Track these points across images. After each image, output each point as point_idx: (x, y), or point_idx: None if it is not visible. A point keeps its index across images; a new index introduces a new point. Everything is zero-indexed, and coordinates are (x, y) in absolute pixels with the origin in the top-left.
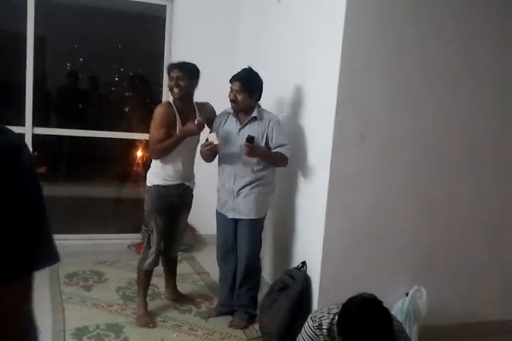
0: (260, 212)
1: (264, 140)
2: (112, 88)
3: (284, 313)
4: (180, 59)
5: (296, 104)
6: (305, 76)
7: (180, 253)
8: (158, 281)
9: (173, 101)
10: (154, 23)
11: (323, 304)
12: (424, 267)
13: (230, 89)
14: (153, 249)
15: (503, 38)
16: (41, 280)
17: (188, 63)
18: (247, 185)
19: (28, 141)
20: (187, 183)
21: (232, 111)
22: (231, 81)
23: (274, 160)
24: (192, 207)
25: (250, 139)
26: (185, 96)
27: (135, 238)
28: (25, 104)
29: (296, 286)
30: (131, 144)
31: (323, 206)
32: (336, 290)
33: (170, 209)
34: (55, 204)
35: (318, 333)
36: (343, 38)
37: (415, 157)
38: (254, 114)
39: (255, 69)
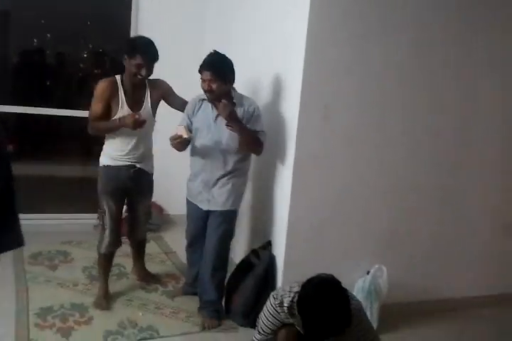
0: (236, 202)
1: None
2: (80, 65)
3: (249, 292)
4: (147, 34)
5: (266, 87)
6: (272, 56)
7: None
8: (126, 260)
9: (121, 77)
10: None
11: (287, 283)
12: (385, 245)
13: (201, 80)
14: (107, 232)
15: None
16: (4, 260)
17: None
18: (223, 176)
19: None
20: (139, 165)
21: (206, 97)
22: (200, 71)
23: (252, 141)
24: (159, 185)
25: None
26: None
27: None
28: None
29: (261, 265)
30: None
31: (289, 186)
32: (300, 269)
33: (121, 192)
34: (19, 183)
35: (279, 310)
36: (309, 16)
37: (381, 136)
38: (234, 99)
39: (222, 50)
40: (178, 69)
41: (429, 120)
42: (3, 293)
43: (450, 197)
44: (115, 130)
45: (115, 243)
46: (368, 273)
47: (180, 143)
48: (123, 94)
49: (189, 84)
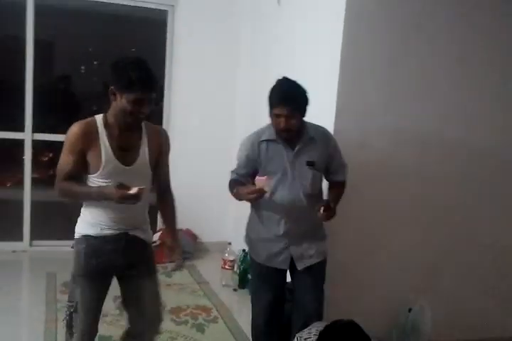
0: (326, 249)
1: (325, 162)
2: None
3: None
4: (182, 63)
5: None
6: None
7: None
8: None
9: (104, 118)
10: (157, 28)
11: (327, 320)
12: (430, 281)
13: (274, 115)
14: (76, 337)
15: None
16: (37, 288)
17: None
18: (314, 225)
19: (28, 146)
20: (132, 233)
21: (270, 136)
22: (275, 105)
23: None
24: (192, 212)
25: (327, 208)
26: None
27: None
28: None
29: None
30: None
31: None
32: (342, 306)
33: (106, 276)
34: (56, 210)
35: None
36: (343, 39)
37: (424, 168)
38: (310, 134)
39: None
40: (214, 93)
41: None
42: (33, 322)
43: (502, 229)
44: (94, 200)
45: None
46: (409, 310)
47: (256, 199)
48: (106, 141)
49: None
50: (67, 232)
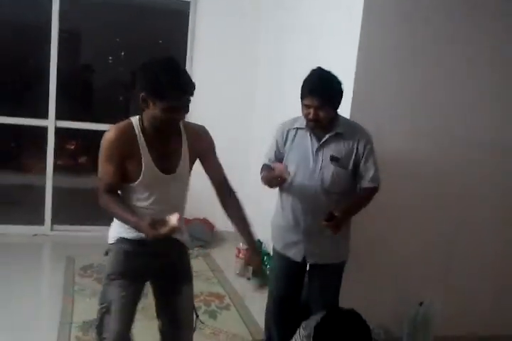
0: (347, 252)
1: (352, 162)
2: None
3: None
4: (202, 55)
5: None
6: None
7: (196, 248)
8: None
9: (141, 120)
10: (180, 19)
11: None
12: (441, 275)
13: (304, 106)
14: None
15: None
16: (56, 270)
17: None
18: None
19: (51, 133)
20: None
21: (301, 124)
22: (305, 95)
23: (364, 206)
24: (209, 202)
25: (330, 218)
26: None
27: None
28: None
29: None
30: None
31: None
32: (351, 297)
33: (141, 279)
34: (79, 196)
35: None
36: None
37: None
38: (339, 129)
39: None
40: (235, 85)
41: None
42: (50, 302)
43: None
44: (126, 224)
45: None
46: (420, 304)
47: (276, 185)
48: (145, 147)
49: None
50: (88, 218)
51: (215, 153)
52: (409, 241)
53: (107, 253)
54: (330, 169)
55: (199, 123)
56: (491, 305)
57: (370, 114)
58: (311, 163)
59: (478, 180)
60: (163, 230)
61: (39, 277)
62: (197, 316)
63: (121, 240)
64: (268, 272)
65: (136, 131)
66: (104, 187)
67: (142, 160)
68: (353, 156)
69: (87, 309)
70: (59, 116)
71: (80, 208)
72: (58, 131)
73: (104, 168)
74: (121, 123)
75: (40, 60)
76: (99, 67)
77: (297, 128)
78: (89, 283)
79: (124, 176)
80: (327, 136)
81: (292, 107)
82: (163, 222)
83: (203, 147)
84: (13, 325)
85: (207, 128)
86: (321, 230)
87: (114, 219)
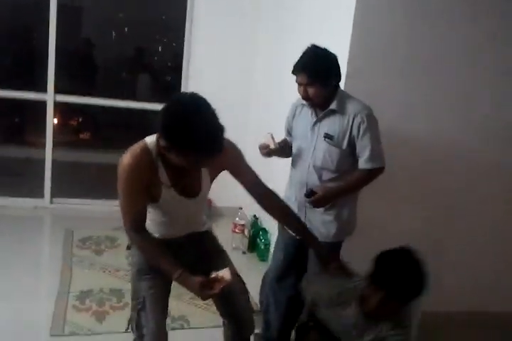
0: (342, 233)
1: (347, 141)
2: (155, 58)
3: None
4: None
5: None
6: None
7: None
8: None
9: (157, 143)
10: None
11: None
12: (426, 250)
13: (297, 83)
14: (148, 338)
15: None
16: (55, 242)
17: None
18: None
19: (50, 107)
20: (192, 231)
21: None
22: (294, 72)
23: (356, 188)
24: None
25: (309, 194)
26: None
27: None
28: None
29: None
30: None
31: None
32: None
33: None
34: (80, 170)
35: None
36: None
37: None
38: (333, 106)
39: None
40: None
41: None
42: (49, 273)
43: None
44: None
45: None
46: None
47: (269, 154)
48: (164, 172)
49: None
50: (87, 192)
51: (244, 164)
52: (406, 214)
53: (129, 248)
54: (322, 146)
55: None
56: (492, 282)
57: (364, 85)
58: (309, 141)
59: (478, 146)
60: (217, 288)
61: (39, 248)
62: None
63: None
64: (262, 247)
65: (154, 155)
66: (131, 224)
67: (162, 186)
68: (347, 135)
69: (85, 279)
70: (60, 91)
71: (80, 182)
72: (60, 107)
73: (128, 199)
74: (136, 148)
75: (41, 33)
76: (101, 42)
77: (303, 105)
78: (88, 254)
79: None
80: (322, 114)
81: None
82: (215, 279)
83: (227, 163)
84: (13, 294)
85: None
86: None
87: None
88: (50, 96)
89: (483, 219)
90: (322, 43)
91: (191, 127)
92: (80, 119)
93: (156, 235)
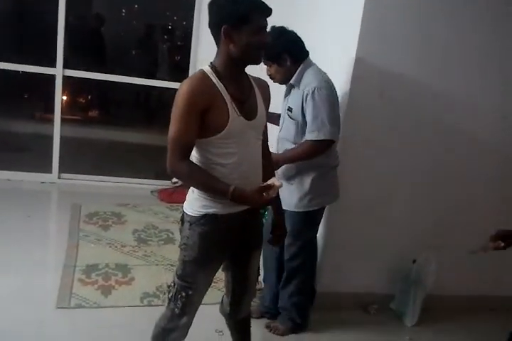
0: (303, 203)
1: (301, 113)
2: (165, 36)
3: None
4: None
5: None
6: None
7: None
8: (175, 227)
9: (215, 66)
10: None
11: (325, 265)
12: (436, 234)
13: None
14: (186, 318)
15: None
16: (62, 217)
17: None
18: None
19: (59, 82)
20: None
21: None
22: None
23: (301, 158)
24: None
25: None
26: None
27: (159, 184)
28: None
29: None
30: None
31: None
32: (340, 252)
33: (224, 256)
34: (88, 147)
35: None
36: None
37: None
38: (292, 80)
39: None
40: None
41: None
42: (56, 247)
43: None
44: (214, 194)
45: (185, 336)
46: (414, 261)
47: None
48: (227, 95)
49: None
50: (95, 168)
51: (267, 112)
52: (404, 196)
53: (182, 223)
54: (286, 119)
55: None
56: (488, 268)
57: (376, 68)
58: (282, 113)
59: (489, 132)
60: (272, 193)
61: (46, 222)
62: (259, 275)
63: (210, 217)
64: None
65: (213, 79)
66: (180, 151)
67: (228, 106)
68: (301, 108)
69: (91, 254)
70: (69, 66)
71: (88, 158)
72: (69, 83)
73: (183, 126)
74: (194, 74)
75: (51, 7)
76: (111, 18)
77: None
78: (94, 229)
79: (202, 130)
80: (286, 90)
81: None
82: (268, 187)
83: (267, 98)
84: (20, 266)
85: None
86: (282, 177)
87: (194, 192)
88: (59, 71)
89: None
90: (333, 35)
91: None
92: (89, 97)
93: (225, 206)
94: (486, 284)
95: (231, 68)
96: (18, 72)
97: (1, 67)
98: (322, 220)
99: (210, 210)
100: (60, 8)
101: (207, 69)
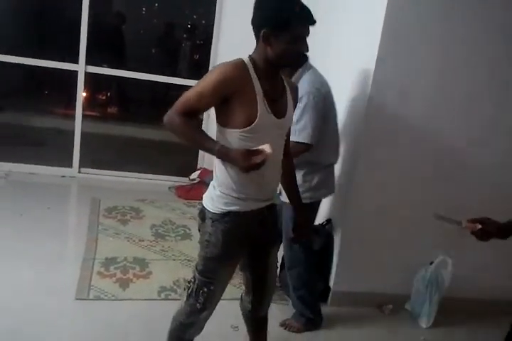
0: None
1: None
2: (184, 35)
3: (302, 267)
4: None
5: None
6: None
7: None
8: (192, 223)
9: (254, 59)
10: None
11: (342, 263)
12: (454, 236)
13: None
14: (206, 313)
15: None
16: (82, 211)
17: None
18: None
19: (81, 78)
20: (271, 201)
21: None
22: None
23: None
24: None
25: None
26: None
27: (176, 181)
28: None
29: (318, 242)
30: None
31: (353, 165)
32: (358, 250)
33: (244, 249)
34: (108, 143)
35: None
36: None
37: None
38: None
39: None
40: None
41: None
42: (75, 240)
43: None
44: (207, 152)
45: (202, 328)
46: (431, 263)
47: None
48: (260, 89)
49: None
50: (114, 164)
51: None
52: (421, 196)
53: (203, 220)
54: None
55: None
56: (503, 271)
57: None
58: None
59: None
60: (258, 158)
61: (66, 216)
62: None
63: (233, 214)
64: None
65: (250, 70)
66: (184, 108)
67: (257, 101)
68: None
69: (110, 247)
70: (90, 63)
71: (107, 154)
72: (90, 80)
73: (204, 95)
74: (234, 60)
75: (74, 4)
76: (132, 16)
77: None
78: (113, 223)
79: (231, 120)
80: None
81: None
82: (257, 152)
83: (296, 101)
84: (40, 258)
85: None
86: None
87: (216, 183)
88: (81, 67)
89: None
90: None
91: (280, 1)
92: (108, 94)
93: (247, 204)
94: (501, 288)
95: (267, 66)
96: (40, 67)
97: (26, 63)
98: (339, 220)
99: (233, 207)
100: (83, 5)
101: (246, 60)
